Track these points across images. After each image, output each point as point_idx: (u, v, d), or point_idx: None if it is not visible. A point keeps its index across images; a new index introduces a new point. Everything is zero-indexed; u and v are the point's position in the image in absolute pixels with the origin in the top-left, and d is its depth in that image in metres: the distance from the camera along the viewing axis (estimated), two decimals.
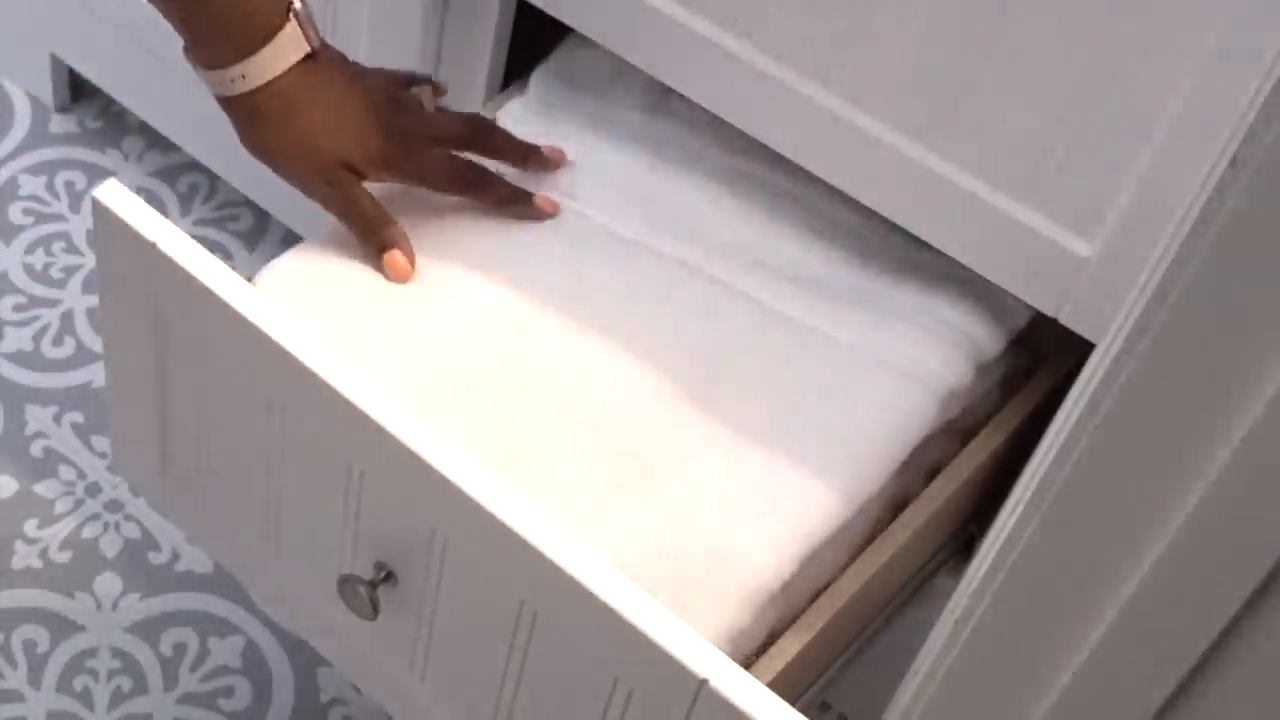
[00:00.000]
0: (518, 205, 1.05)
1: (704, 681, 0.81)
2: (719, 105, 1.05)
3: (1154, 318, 0.67)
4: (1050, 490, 0.75)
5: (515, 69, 1.19)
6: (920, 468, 1.01)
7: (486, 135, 1.06)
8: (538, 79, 1.15)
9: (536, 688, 0.93)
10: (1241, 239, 0.64)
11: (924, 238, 1.00)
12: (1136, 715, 0.79)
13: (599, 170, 1.10)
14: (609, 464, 0.96)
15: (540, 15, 1.12)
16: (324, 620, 1.06)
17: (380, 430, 0.87)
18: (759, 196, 1.09)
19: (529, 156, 1.07)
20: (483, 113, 1.16)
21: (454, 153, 1.03)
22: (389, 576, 0.96)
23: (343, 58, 1.02)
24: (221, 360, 0.96)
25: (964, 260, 0.99)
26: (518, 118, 1.13)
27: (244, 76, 0.96)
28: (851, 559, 0.98)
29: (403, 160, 1.01)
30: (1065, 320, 0.96)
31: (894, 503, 1.00)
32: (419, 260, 1.03)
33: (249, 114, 0.98)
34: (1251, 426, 0.67)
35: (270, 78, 0.96)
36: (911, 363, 1.01)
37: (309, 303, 1.01)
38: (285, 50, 0.96)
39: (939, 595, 1.05)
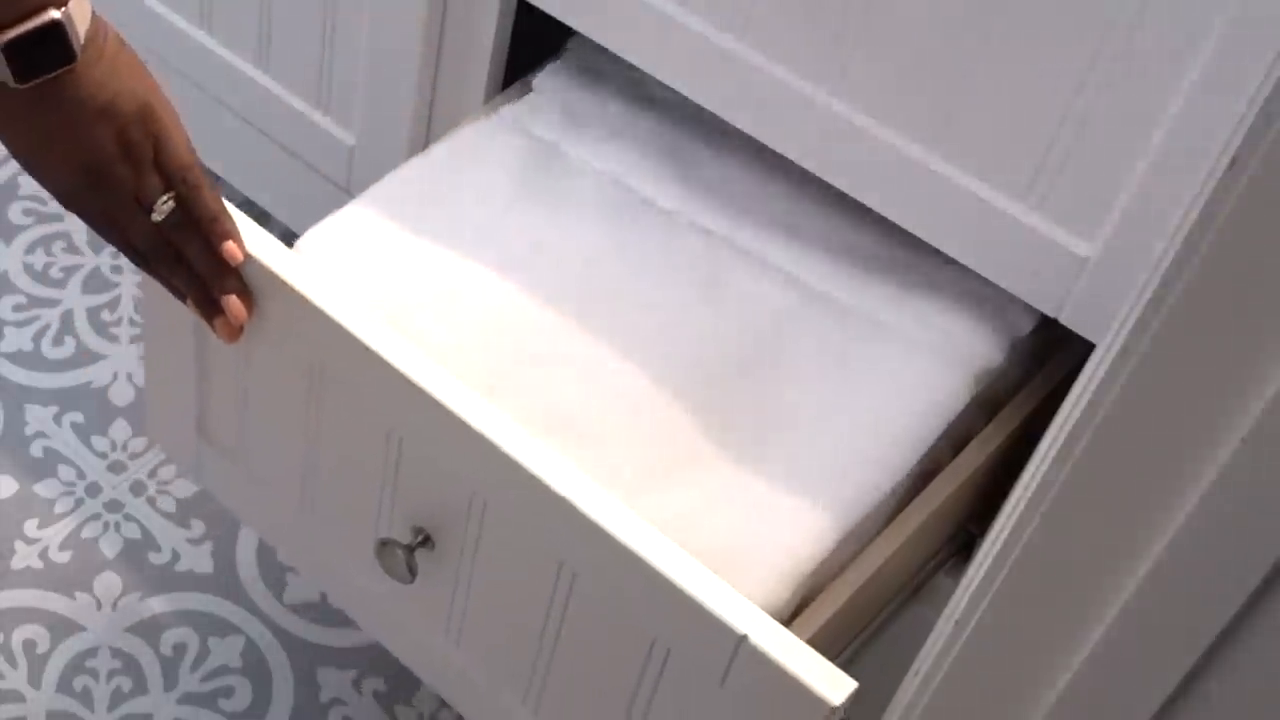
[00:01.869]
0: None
1: (743, 638, 0.82)
2: (718, 105, 1.05)
3: (1154, 318, 0.67)
4: (1050, 490, 0.75)
5: (515, 69, 1.19)
6: (948, 439, 1.02)
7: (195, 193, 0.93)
8: (575, 43, 1.16)
9: (573, 650, 0.94)
10: (1241, 239, 0.63)
11: (924, 238, 1.00)
12: (1136, 715, 0.79)
13: (637, 138, 1.12)
14: (647, 444, 0.97)
15: (541, 15, 1.12)
16: (359, 586, 1.07)
17: (422, 393, 0.88)
18: (792, 166, 1.09)
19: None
20: (484, 110, 1.17)
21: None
22: (426, 541, 0.97)
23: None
24: (262, 324, 0.97)
25: (964, 261, 0.99)
26: (556, 82, 1.14)
27: None
28: (880, 531, 0.99)
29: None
30: (1065, 320, 0.96)
31: (922, 476, 1.01)
32: (467, 224, 1.04)
33: None
34: (1251, 426, 0.67)
35: None
36: (945, 340, 1.02)
37: (350, 267, 1.02)
38: None
39: (939, 595, 1.05)
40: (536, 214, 1.07)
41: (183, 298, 0.96)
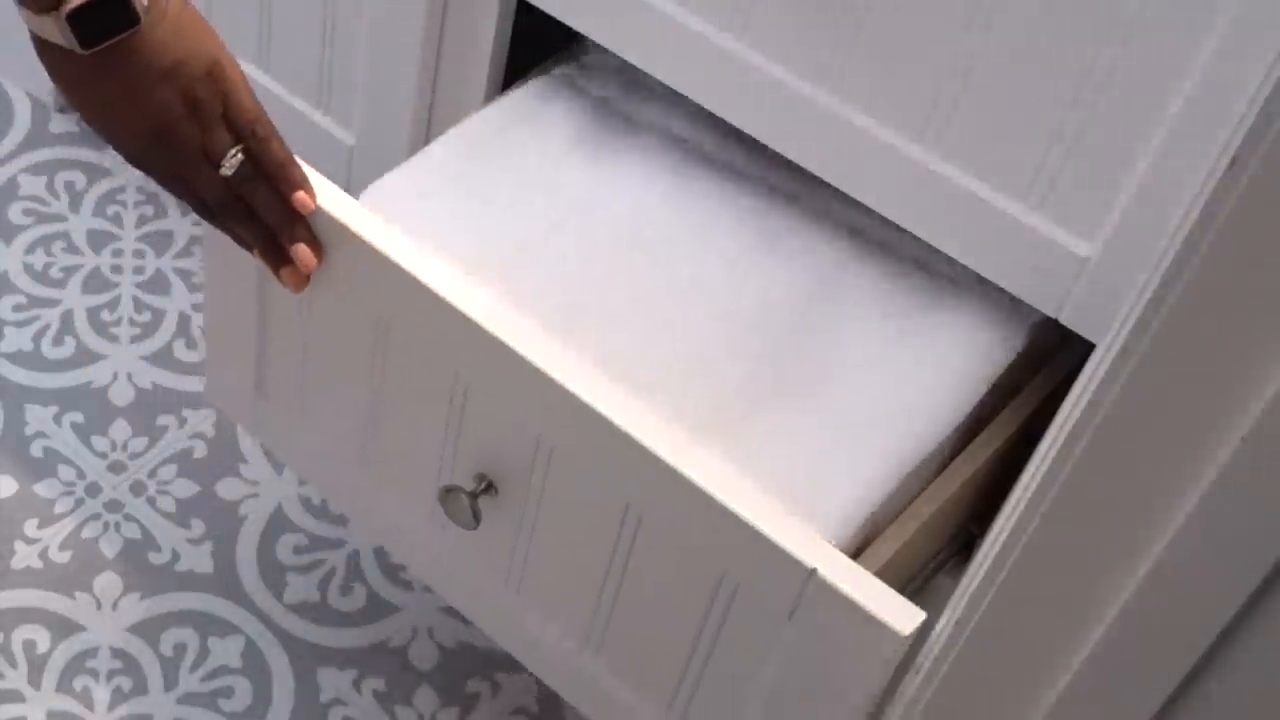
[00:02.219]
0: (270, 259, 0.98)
1: (813, 572, 0.82)
2: (718, 105, 1.05)
3: (1154, 318, 0.67)
4: (1050, 490, 0.75)
5: (515, 69, 1.19)
6: (999, 388, 1.03)
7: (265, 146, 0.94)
8: None
9: (638, 589, 0.95)
10: (1241, 239, 0.63)
11: (924, 238, 1.00)
12: (1136, 715, 0.79)
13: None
14: (705, 392, 0.98)
15: (541, 15, 1.12)
16: (419, 538, 1.07)
17: (492, 339, 0.89)
18: None
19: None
20: (539, 70, 1.17)
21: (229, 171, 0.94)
22: (489, 488, 0.97)
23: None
24: (327, 275, 0.98)
25: (964, 260, 0.99)
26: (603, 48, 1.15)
27: None
28: (930, 482, 1.00)
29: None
30: (1065, 320, 0.96)
31: (972, 424, 1.02)
32: (527, 178, 1.05)
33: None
34: (1251, 426, 0.67)
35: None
36: (998, 290, 1.03)
37: (413, 219, 1.03)
38: None
39: (939, 595, 1.05)
40: (596, 169, 1.09)
41: (249, 249, 0.97)
